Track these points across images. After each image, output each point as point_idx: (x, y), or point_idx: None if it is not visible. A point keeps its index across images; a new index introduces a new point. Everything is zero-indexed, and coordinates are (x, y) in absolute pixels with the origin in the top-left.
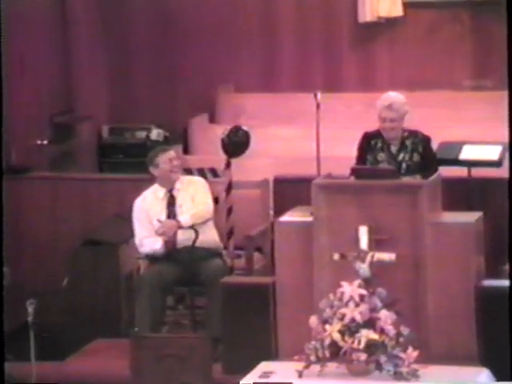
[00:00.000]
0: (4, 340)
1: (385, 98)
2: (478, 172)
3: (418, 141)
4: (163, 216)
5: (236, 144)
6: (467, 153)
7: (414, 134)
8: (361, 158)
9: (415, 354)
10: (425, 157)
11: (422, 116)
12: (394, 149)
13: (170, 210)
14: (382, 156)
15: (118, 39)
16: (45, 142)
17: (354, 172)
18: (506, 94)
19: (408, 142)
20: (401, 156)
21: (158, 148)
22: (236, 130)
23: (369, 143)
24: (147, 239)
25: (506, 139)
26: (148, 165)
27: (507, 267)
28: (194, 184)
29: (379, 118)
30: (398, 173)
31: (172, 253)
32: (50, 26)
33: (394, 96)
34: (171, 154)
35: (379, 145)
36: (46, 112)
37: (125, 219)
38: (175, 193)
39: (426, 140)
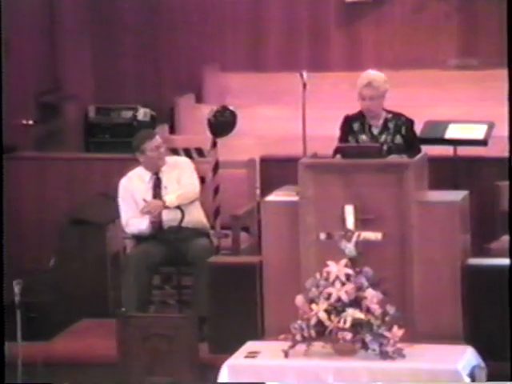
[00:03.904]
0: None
1: (364, 77)
2: (463, 151)
3: (401, 123)
4: (149, 197)
5: (223, 124)
6: (453, 132)
7: (397, 116)
8: (342, 140)
9: (400, 332)
10: (407, 139)
11: (408, 95)
12: (375, 130)
13: (155, 192)
14: (363, 138)
15: (103, 18)
16: (30, 121)
17: (338, 150)
18: (491, 73)
19: (391, 124)
20: (383, 138)
21: (143, 132)
22: (223, 109)
23: (350, 126)
24: (133, 219)
25: (492, 118)
26: (134, 150)
27: (493, 245)
28: (179, 165)
29: (359, 97)
30: (382, 150)
31: (158, 233)
32: (35, 5)
33: (374, 74)
34: (157, 140)
35: (360, 127)
36: (31, 91)
37: (111, 199)
38: (161, 175)
39: (410, 122)
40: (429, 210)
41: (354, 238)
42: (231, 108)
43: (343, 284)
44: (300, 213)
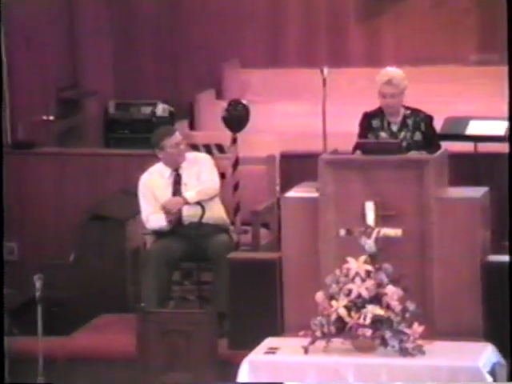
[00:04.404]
0: (4, 316)
1: (384, 74)
2: (484, 147)
3: (420, 119)
4: (169, 194)
5: (236, 118)
6: (473, 128)
7: (416, 112)
8: (362, 137)
9: (420, 329)
10: (426, 136)
11: (428, 91)
12: (395, 127)
13: (175, 189)
14: (382, 135)
15: (123, 14)
16: (51, 117)
17: (358, 146)
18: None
19: (410, 121)
20: (402, 134)
21: (162, 129)
22: (235, 104)
23: (369, 122)
24: (153, 215)
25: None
26: (153, 147)
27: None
28: (199, 161)
29: (379, 94)
30: (401, 146)
31: (178, 228)
32: (56, 2)
33: (394, 71)
34: (177, 137)
35: (380, 124)
36: (51, 87)
37: (131, 194)
38: (181, 171)
39: (428, 119)
40: (449, 206)
41: (374, 235)
42: (244, 102)
43: (363, 280)
44: (320, 209)
